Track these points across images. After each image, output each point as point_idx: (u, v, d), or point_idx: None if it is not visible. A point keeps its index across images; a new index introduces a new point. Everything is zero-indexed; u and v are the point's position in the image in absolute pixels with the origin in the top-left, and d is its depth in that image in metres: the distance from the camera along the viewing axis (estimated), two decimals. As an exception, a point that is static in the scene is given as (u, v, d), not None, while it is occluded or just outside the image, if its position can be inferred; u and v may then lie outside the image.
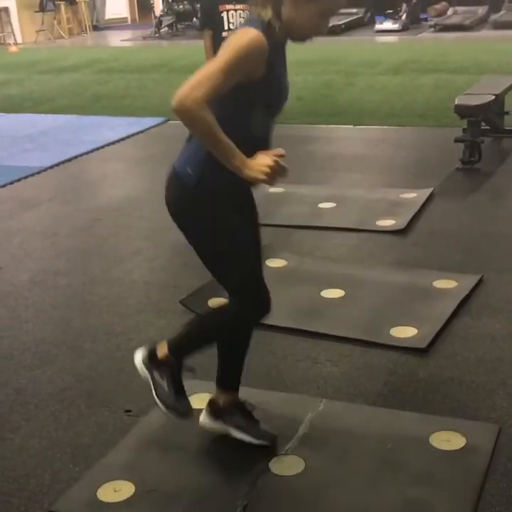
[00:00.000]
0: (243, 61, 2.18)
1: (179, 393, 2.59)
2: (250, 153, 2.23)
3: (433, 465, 2.53)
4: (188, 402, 2.61)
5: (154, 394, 2.57)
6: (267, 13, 2.26)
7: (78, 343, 3.50)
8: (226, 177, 2.27)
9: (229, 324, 2.58)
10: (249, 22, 2.30)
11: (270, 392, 3.01)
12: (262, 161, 2.20)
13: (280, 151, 2.25)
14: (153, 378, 2.59)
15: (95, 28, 19.25)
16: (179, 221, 2.46)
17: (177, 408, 2.57)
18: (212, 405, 2.71)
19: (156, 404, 2.57)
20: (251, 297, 2.51)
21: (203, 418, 2.73)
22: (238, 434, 2.67)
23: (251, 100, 2.28)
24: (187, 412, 2.60)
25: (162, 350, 2.60)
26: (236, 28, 5.31)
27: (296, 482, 2.49)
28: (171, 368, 2.59)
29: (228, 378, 2.71)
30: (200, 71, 2.17)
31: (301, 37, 2.33)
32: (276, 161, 2.20)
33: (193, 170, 2.36)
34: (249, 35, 2.20)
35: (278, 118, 2.45)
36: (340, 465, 2.57)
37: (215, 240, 2.43)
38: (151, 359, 2.60)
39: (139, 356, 2.64)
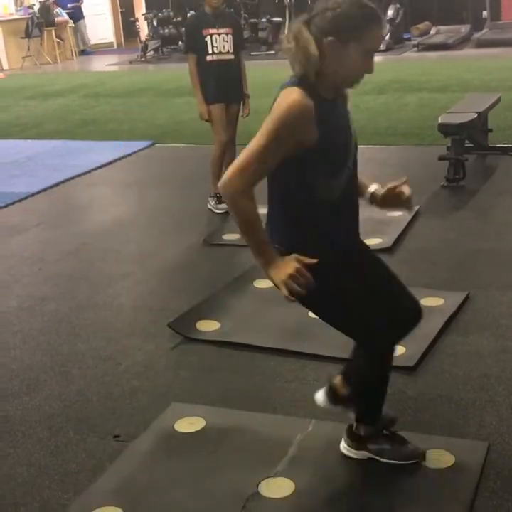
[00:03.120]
0: (287, 131, 2.09)
1: (396, 442, 2.64)
2: (335, 220, 2.25)
3: (423, 484, 2.53)
4: (409, 446, 2.65)
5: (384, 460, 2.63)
6: (306, 70, 2.15)
7: (66, 368, 3.48)
8: (317, 241, 2.25)
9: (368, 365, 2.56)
10: (292, 79, 2.19)
11: (259, 413, 3.01)
12: (284, 270, 2.13)
13: (311, 260, 2.15)
14: (374, 453, 2.64)
15: (81, 53, 19.32)
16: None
17: (406, 456, 2.62)
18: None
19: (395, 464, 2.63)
20: (378, 342, 2.49)
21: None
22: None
23: (310, 165, 2.17)
24: (415, 455, 2.63)
25: (359, 430, 2.63)
26: (220, 52, 5.36)
27: (285, 504, 2.48)
28: (376, 435, 2.63)
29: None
30: (245, 151, 2.11)
31: (350, 83, 2.23)
32: (298, 270, 2.12)
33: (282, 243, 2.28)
34: (289, 102, 2.10)
35: (352, 177, 2.34)
36: (329, 486, 2.57)
37: (332, 302, 2.37)
38: (357, 441, 2.65)
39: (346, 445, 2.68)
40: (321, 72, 2.17)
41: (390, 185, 2.45)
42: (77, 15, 18.97)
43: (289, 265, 2.15)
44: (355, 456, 2.66)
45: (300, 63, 2.17)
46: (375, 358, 2.53)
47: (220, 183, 2.16)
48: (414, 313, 2.55)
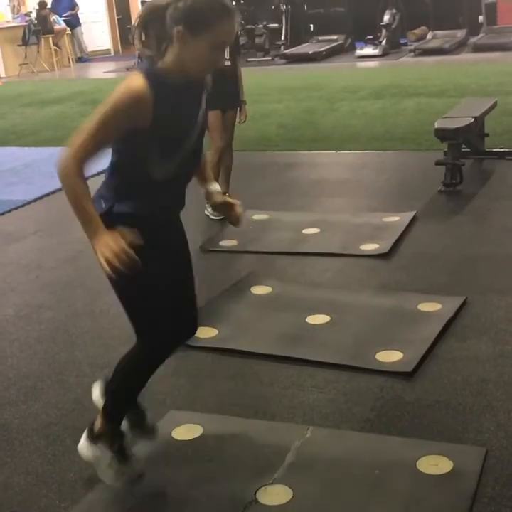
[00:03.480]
0: (120, 115, 2.22)
1: (124, 460, 2.60)
2: (161, 197, 2.31)
3: (421, 490, 2.52)
4: (134, 466, 2.64)
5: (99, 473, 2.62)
6: (156, 56, 2.26)
7: (63, 376, 3.48)
8: (137, 208, 2.35)
9: (138, 365, 2.61)
10: (140, 64, 2.33)
11: (256, 420, 3.00)
12: (109, 243, 2.20)
13: (135, 240, 2.23)
14: (95, 456, 2.61)
15: (78, 60, 19.33)
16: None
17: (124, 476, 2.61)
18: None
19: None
20: (155, 341, 2.54)
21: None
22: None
23: (144, 145, 2.29)
24: (136, 477, 2.64)
25: (97, 423, 2.63)
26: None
27: (284, 512, 2.47)
28: (109, 436, 2.60)
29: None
30: (80, 130, 2.26)
31: (197, 73, 2.32)
32: (124, 251, 2.18)
33: (105, 200, 2.41)
34: (129, 87, 2.22)
35: (192, 160, 2.46)
36: (328, 493, 2.56)
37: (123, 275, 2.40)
38: (91, 436, 2.63)
39: (82, 443, 2.66)
40: (169, 59, 2.25)
41: (229, 200, 2.67)
42: (73, 22, 19.00)
43: (115, 241, 2.20)
44: (80, 450, 2.65)
45: (149, 48, 2.28)
46: (146, 355, 2.57)
47: (57, 163, 2.26)
48: (190, 327, 2.68)
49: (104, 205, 2.39)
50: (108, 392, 2.65)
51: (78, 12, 19.27)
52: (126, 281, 2.33)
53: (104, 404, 2.64)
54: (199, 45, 2.21)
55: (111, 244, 2.20)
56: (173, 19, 2.20)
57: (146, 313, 2.51)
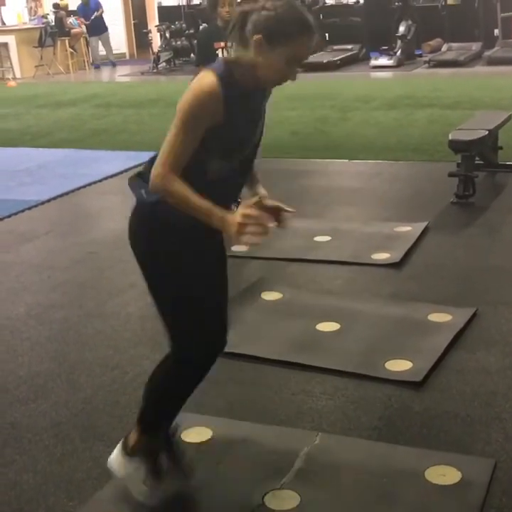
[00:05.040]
0: (198, 115, 2.18)
1: (158, 476, 2.55)
2: (215, 199, 2.21)
3: (428, 500, 2.53)
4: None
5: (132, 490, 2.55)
6: (233, 57, 2.25)
7: (73, 376, 3.49)
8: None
9: (174, 374, 2.52)
10: (217, 62, 2.29)
11: (265, 425, 3.01)
12: (233, 221, 2.14)
13: (255, 199, 2.20)
14: (128, 472, 2.55)
15: (107, 63, 19.13)
16: (139, 254, 2.44)
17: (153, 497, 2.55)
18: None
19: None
20: (198, 347, 2.47)
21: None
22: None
23: (207, 146, 2.24)
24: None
25: (132, 437, 2.56)
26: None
27: (291, 517, 2.48)
28: (145, 451, 2.54)
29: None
30: (164, 143, 2.22)
31: (267, 83, 2.30)
32: (245, 215, 2.12)
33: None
34: (201, 85, 2.19)
35: (248, 163, 2.42)
36: (335, 499, 2.56)
37: (171, 278, 2.39)
38: (125, 449, 2.56)
39: (112, 455, 2.59)
40: (245, 65, 2.23)
41: (281, 205, 2.48)
42: (100, 26, 18.49)
43: (237, 215, 2.15)
44: (111, 464, 2.59)
45: (233, 49, 2.27)
46: (185, 370, 2.50)
47: (151, 178, 2.21)
48: (223, 339, 2.60)
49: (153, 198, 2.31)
50: (144, 402, 2.57)
51: (103, 14, 18.78)
52: (170, 279, 2.37)
53: (140, 415, 2.56)
54: (275, 56, 2.18)
55: (235, 220, 2.13)
56: (254, 26, 2.18)
57: (190, 316, 2.46)
